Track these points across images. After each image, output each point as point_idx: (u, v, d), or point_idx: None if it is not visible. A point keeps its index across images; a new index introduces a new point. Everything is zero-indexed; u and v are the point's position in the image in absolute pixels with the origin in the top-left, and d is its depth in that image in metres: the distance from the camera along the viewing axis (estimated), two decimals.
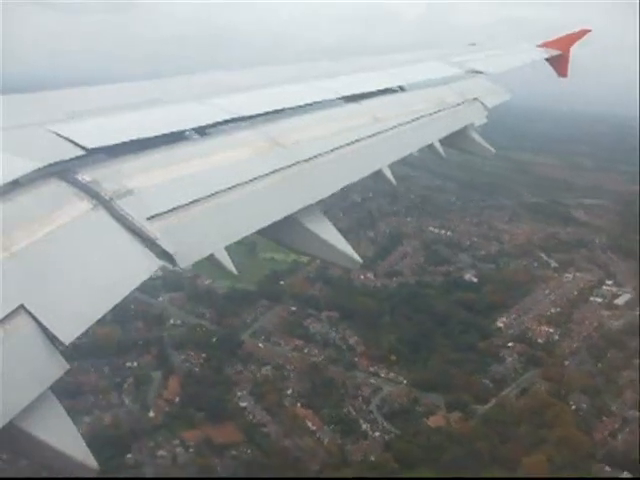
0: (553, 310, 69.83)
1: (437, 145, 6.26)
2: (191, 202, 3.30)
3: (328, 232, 4.04)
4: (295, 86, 5.48)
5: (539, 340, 63.43)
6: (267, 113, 4.58)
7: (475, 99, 7.55)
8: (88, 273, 2.70)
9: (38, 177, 2.93)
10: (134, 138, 3.50)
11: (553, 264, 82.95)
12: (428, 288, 74.25)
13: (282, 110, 4.73)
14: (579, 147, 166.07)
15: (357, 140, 4.90)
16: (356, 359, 59.35)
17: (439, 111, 6.60)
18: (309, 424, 49.38)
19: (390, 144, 5.38)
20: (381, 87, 6.26)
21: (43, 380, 2.35)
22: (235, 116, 4.28)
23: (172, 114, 4.12)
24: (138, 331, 60.49)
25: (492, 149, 7.48)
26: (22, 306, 2.36)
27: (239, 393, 52.73)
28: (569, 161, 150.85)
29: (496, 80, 8.58)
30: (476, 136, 7.31)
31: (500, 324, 66.56)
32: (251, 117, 4.44)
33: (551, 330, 65.22)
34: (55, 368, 2.40)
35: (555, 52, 11.47)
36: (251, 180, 3.73)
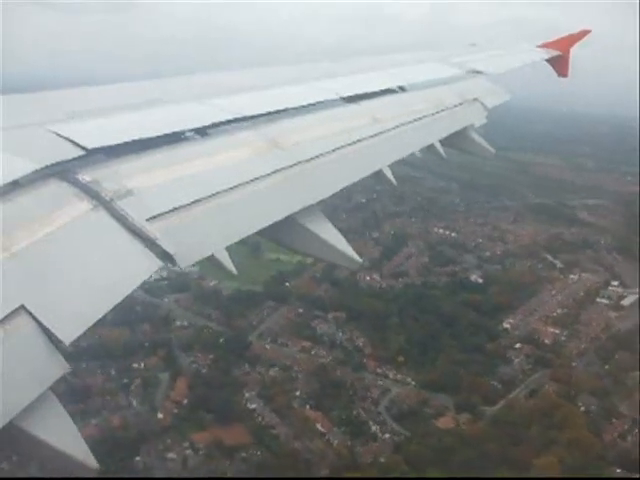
0: (559, 311, 69.63)
1: (437, 145, 6.26)
2: (191, 202, 3.30)
3: (328, 232, 4.03)
4: (295, 87, 5.48)
5: (546, 341, 63.22)
6: (267, 113, 4.58)
7: (475, 100, 7.54)
8: (88, 273, 2.70)
9: (38, 177, 2.93)
10: (134, 138, 3.50)
11: (558, 265, 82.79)
12: (434, 289, 74.19)
13: (282, 110, 4.73)
14: (580, 147, 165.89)
15: (357, 140, 4.90)
16: (364, 360, 59.35)
17: (439, 111, 6.59)
18: (318, 426, 49.39)
19: (390, 144, 5.37)
20: (381, 88, 6.26)
21: (43, 380, 2.35)
22: (235, 116, 4.28)
23: (172, 114, 4.11)
24: (144, 332, 60.62)
25: (492, 149, 7.47)
26: (22, 306, 2.36)
27: (247, 395, 52.78)
28: (570, 162, 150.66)
29: (496, 81, 8.58)
30: (476, 136, 7.31)
31: (507, 325, 66.41)
32: (251, 117, 4.44)
33: (558, 331, 65.02)
34: (55, 368, 2.39)
35: (555, 53, 11.46)
36: (251, 180, 3.73)
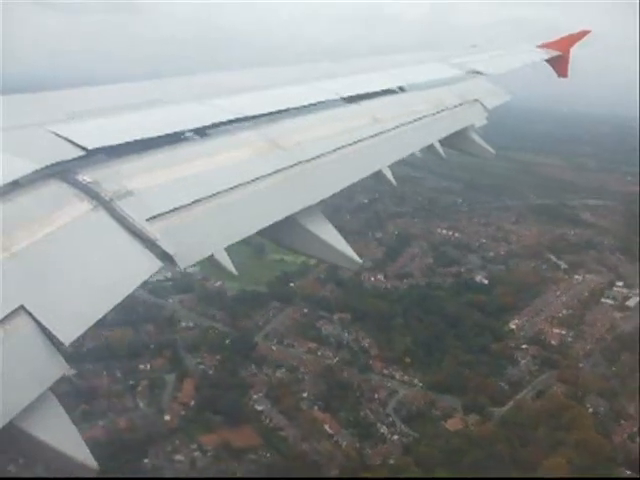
0: (565, 312, 69.50)
1: (437, 146, 6.26)
2: (191, 203, 3.29)
3: (327, 232, 4.03)
4: (296, 87, 5.49)
5: (552, 342, 63.08)
6: (268, 114, 4.58)
7: (475, 100, 7.55)
8: (88, 274, 2.70)
9: (38, 178, 2.94)
10: (134, 139, 3.50)
11: (563, 265, 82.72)
12: (439, 290, 74.11)
13: (283, 111, 4.73)
14: (581, 148, 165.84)
15: (357, 141, 4.90)
16: (370, 361, 59.30)
17: (439, 112, 6.60)
18: (327, 427, 49.29)
19: (390, 145, 5.38)
20: (382, 88, 6.27)
21: (43, 380, 2.35)
22: (236, 117, 4.28)
23: (172, 115, 4.11)
24: (149, 333, 60.68)
25: (492, 150, 7.47)
26: (22, 306, 2.36)
27: (255, 396, 52.75)
28: (571, 162, 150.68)
29: (496, 81, 8.60)
30: (476, 137, 7.32)
31: (512, 326, 66.28)
32: (252, 118, 4.44)
33: (564, 332, 64.85)
34: (55, 368, 2.40)
35: (555, 53, 11.45)
36: (251, 181, 3.73)
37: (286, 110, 4.77)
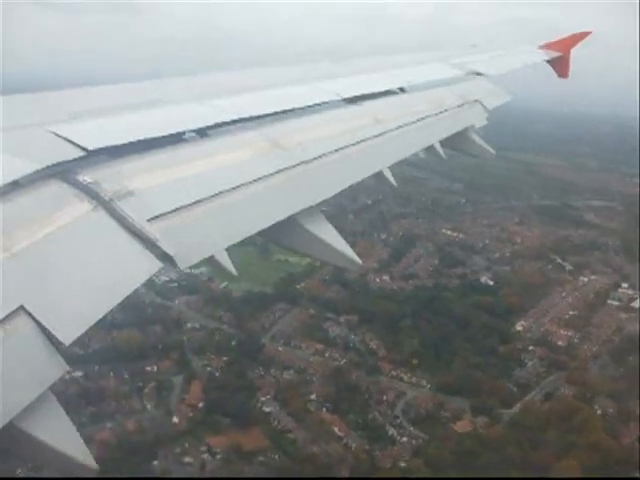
0: (571, 313, 69.37)
1: (437, 146, 6.25)
2: (192, 203, 3.29)
3: (327, 233, 4.01)
4: (296, 87, 5.48)
5: (559, 343, 62.93)
6: (268, 114, 4.58)
7: (476, 101, 7.54)
8: (88, 274, 2.69)
9: (38, 178, 2.93)
10: (135, 139, 3.50)
11: (568, 267, 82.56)
12: (445, 291, 74.04)
13: (283, 111, 4.72)
14: (582, 148, 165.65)
15: (358, 141, 4.89)
16: (378, 363, 59.26)
17: (440, 113, 6.60)
18: (335, 429, 49.26)
19: (391, 145, 5.37)
20: (382, 89, 6.26)
21: (43, 380, 2.35)
22: (236, 117, 4.27)
23: (173, 115, 4.11)
24: (156, 335, 60.78)
25: (492, 151, 7.46)
26: (22, 307, 2.36)
27: (263, 398, 52.80)
28: (572, 162, 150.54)
29: (497, 82, 8.58)
30: (476, 138, 7.31)
31: (519, 327, 66.15)
32: (252, 118, 4.44)
33: (570, 333, 64.63)
34: (55, 369, 2.39)
35: (556, 54, 11.42)
36: (252, 181, 3.72)
37: (287, 110, 4.77)
